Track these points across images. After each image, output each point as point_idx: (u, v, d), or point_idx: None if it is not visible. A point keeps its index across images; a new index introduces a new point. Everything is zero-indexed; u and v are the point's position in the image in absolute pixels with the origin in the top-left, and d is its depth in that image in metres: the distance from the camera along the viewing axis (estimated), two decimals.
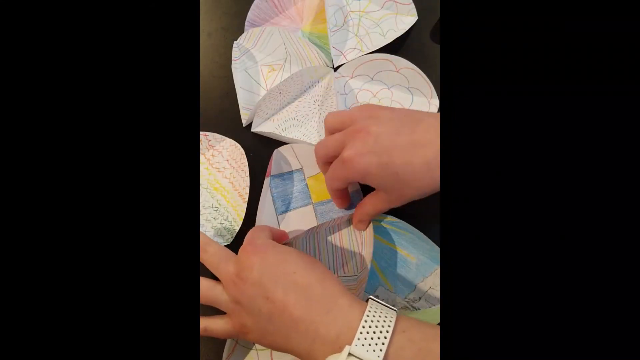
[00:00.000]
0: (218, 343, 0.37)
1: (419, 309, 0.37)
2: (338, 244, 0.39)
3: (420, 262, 0.38)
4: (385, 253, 0.39)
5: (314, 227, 0.36)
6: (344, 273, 0.38)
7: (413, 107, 0.44)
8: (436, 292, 0.37)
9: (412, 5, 0.48)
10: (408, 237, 0.39)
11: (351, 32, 0.48)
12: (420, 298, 0.37)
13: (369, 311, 0.26)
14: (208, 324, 0.31)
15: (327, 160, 0.34)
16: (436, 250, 0.38)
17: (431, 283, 0.37)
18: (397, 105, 0.45)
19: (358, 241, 0.38)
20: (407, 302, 0.37)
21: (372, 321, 0.25)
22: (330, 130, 0.34)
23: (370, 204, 0.34)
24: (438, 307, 0.36)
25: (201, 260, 0.32)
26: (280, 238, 0.35)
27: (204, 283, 0.31)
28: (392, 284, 0.38)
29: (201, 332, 0.31)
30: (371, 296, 0.28)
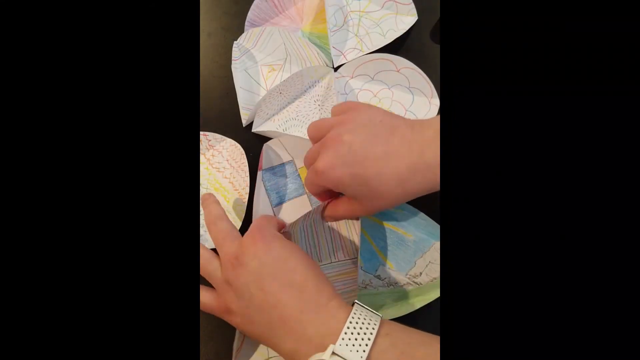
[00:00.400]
0: (218, 342, 0.37)
1: (421, 284, 0.38)
2: (335, 228, 0.39)
3: (417, 238, 0.39)
4: (382, 233, 0.39)
5: (310, 211, 0.36)
6: (344, 257, 0.39)
7: (414, 107, 0.44)
8: (436, 266, 0.38)
9: (412, 5, 0.48)
10: (403, 215, 0.39)
11: (351, 32, 0.48)
12: (421, 273, 0.38)
13: (354, 314, 0.26)
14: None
15: None
16: (432, 225, 0.39)
17: (430, 258, 0.38)
18: (398, 105, 0.45)
19: (354, 224, 0.39)
20: (409, 278, 0.38)
21: (357, 323, 0.26)
22: (313, 140, 0.35)
23: (342, 208, 0.34)
24: (438, 280, 0.37)
25: (209, 232, 0.32)
26: (281, 227, 0.36)
27: (204, 253, 0.31)
28: (392, 262, 0.39)
29: None
30: (357, 301, 0.28)
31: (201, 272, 0.31)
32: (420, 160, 0.29)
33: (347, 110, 0.34)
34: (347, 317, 0.26)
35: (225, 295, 0.30)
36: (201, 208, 0.35)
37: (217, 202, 0.34)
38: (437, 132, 0.30)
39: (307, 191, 0.42)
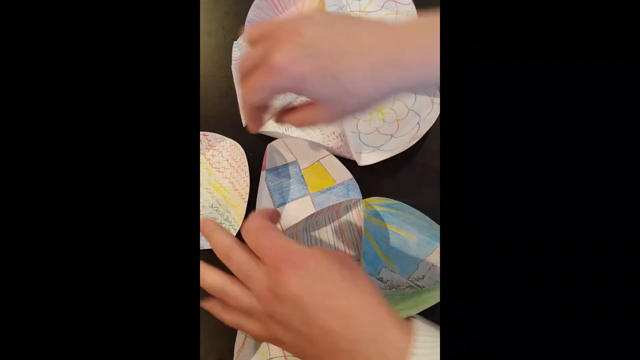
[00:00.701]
0: (218, 342, 0.37)
1: (424, 287, 0.37)
2: (338, 231, 0.39)
3: (420, 241, 0.39)
4: (385, 235, 0.39)
5: (313, 214, 0.36)
6: None
7: (416, 106, 0.44)
8: (439, 269, 0.38)
9: (412, 5, 0.48)
10: (406, 218, 0.39)
11: None
12: (423, 276, 0.38)
13: (417, 345, 0.23)
14: (245, 323, 0.29)
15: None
16: (435, 227, 0.39)
17: (433, 260, 0.38)
18: (400, 104, 0.45)
19: (357, 226, 0.39)
20: (411, 281, 0.38)
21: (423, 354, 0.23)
22: (252, 43, 0.28)
23: (303, 113, 0.29)
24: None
25: (227, 266, 0.29)
26: (274, 216, 0.32)
27: (235, 289, 0.28)
28: (394, 264, 0.38)
29: (237, 327, 0.29)
30: (415, 317, 0.26)
31: (240, 309, 0.28)
32: (397, 50, 0.25)
33: (297, 14, 0.29)
34: (409, 348, 0.23)
35: (272, 328, 0.27)
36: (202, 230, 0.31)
37: (220, 228, 0.29)
38: (424, 29, 0.25)
39: (310, 192, 0.42)
